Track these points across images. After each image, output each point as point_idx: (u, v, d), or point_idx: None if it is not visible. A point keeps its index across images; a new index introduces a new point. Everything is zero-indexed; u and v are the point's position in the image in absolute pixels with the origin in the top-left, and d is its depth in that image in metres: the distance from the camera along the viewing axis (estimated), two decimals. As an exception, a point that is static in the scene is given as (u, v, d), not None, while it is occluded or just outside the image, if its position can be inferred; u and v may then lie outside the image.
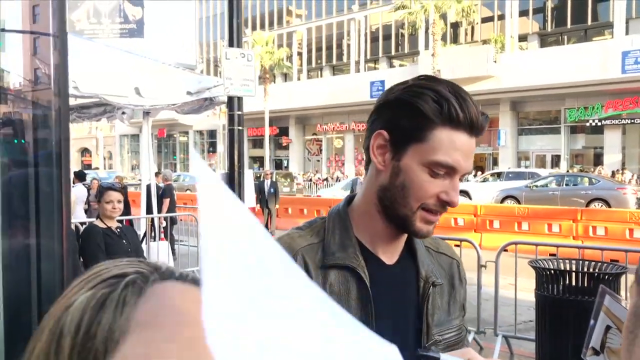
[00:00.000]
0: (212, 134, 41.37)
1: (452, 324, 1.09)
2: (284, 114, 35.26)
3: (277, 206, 13.71)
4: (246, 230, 0.31)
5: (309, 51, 38.10)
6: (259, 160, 36.86)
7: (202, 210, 0.29)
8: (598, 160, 25.42)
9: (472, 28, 31.45)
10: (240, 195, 6.74)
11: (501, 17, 29.48)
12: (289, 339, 0.27)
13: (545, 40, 29.05)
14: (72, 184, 8.87)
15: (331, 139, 35.21)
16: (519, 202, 16.42)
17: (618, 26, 25.66)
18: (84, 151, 51.59)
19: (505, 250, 5.49)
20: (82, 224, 6.03)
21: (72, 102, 6.63)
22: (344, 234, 1.02)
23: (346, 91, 32.25)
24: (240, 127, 6.90)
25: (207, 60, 46.23)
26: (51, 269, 1.20)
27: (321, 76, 37.29)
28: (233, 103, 6.85)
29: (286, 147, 37.46)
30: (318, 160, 36.26)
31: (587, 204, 15.46)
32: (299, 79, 37.45)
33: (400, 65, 33.68)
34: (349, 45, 35.60)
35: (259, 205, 13.01)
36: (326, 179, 29.15)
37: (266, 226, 13.52)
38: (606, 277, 3.91)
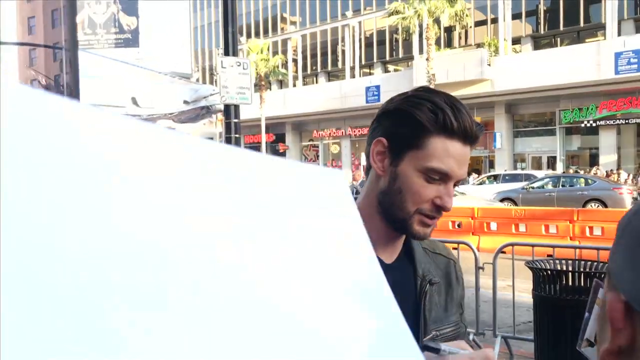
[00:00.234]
0: (208, 142, 41.36)
1: (450, 320, 1.14)
2: (280, 120, 35.36)
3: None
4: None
5: (304, 58, 38.25)
6: (256, 168, 36.89)
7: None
8: (594, 160, 25.55)
9: (466, 32, 31.64)
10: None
11: (494, 21, 29.68)
12: None
13: (538, 42, 29.25)
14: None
15: (328, 145, 35.31)
16: (515, 204, 16.49)
17: (610, 27, 25.86)
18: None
19: (504, 252, 5.52)
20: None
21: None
22: None
23: (342, 97, 32.38)
24: (237, 135, 6.95)
25: (202, 68, 46.33)
26: None
27: (316, 82, 37.44)
28: (230, 111, 6.90)
29: (283, 154, 37.52)
30: (315, 166, 36.34)
31: (584, 205, 15.54)
32: (294, 85, 37.58)
33: (395, 70, 33.83)
34: (343, 51, 35.75)
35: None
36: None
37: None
38: (602, 276, 3.93)
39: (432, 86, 25.51)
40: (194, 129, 40.75)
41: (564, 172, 22.27)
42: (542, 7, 28.80)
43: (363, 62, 35.19)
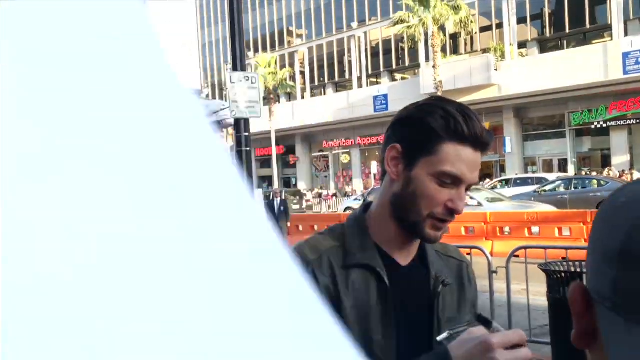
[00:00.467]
0: (219, 156, 41.61)
1: (463, 320, 1.17)
2: (290, 132, 35.53)
3: (288, 224, 13.80)
4: None
5: (312, 70, 38.49)
6: (268, 180, 37.04)
7: None
8: (606, 162, 25.33)
9: (471, 38, 31.69)
10: (252, 215, 6.83)
11: (499, 26, 29.70)
12: None
13: (544, 45, 29.20)
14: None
15: (338, 155, 35.38)
16: (528, 208, 16.40)
17: (616, 28, 25.77)
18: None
19: (517, 256, 5.53)
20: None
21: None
22: (363, 238, 1.13)
23: (350, 107, 32.50)
24: (247, 148, 7.04)
25: (212, 84, 46.78)
26: None
27: (324, 93, 37.63)
28: (240, 125, 7.00)
29: (294, 165, 37.66)
30: (326, 177, 36.39)
31: (597, 206, 15.39)
32: (302, 97, 37.80)
33: (402, 79, 33.92)
34: (350, 62, 35.95)
35: (269, 224, 13.09)
36: (335, 195, 29.24)
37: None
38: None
39: (439, 93, 25.59)
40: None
41: (575, 174, 22.12)
42: (547, 10, 28.80)
43: (370, 72, 35.34)
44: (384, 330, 1.08)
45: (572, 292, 0.45)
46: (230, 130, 10.44)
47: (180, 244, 0.26)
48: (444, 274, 1.17)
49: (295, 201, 25.38)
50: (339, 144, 34.49)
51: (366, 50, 35.23)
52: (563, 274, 4.13)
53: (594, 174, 21.84)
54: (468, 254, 5.34)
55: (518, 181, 20.42)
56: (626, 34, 25.24)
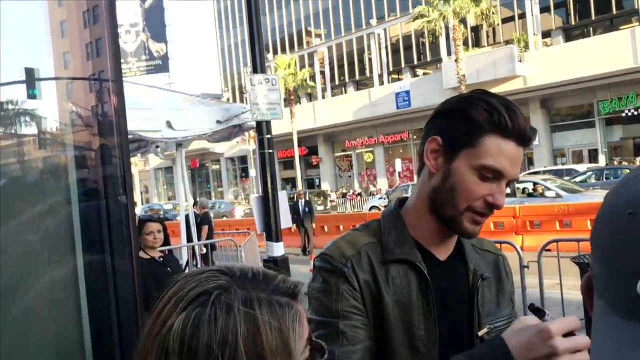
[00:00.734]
0: (243, 159, 41.97)
1: (502, 314, 1.17)
2: (312, 133, 35.53)
3: (313, 225, 13.77)
4: None
5: (332, 69, 38.43)
6: (291, 182, 37.13)
7: None
8: (639, 150, 24.63)
9: (493, 30, 31.19)
10: (276, 217, 6.83)
11: (522, 16, 29.15)
12: None
13: (569, 34, 28.55)
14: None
15: (361, 154, 35.23)
16: (558, 200, 16.01)
17: (644, 12, 25.03)
18: (122, 187, 52.85)
19: (549, 250, 5.38)
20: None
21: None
22: (400, 233, 1.12)
23: (372, 105, 32.32)
24: (270, 150, 7.02)
25: (232, 88, 47.14)
26: (125, 282, 1.40)
27: (345, 92, 37.51)
28: (262, 127, 6.99)
29: (316, 166, 37.65)
30: (349, 176, 36.28)
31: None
32: (323, 97, 37.76)
33: (424, 74, 33.58)
34: (370, 59, 35.76)
35: (294, 225, 13.10)
36: (359, 194, 29.10)
37: (304, 246, 13.58)
38: None
39: (462, 87, 25.22)
40: (229, 146, 41.37)
41: (607, 164, 21.54)
42: (570, -2, 28.16)
43: (391, 69, 35.10)
44: (426, 325, 1.07)
45: (584, 282, 0.46)
46: (252, 133, 10.46)
47: None
48: (482, 268, 1.16)
49: (319, 202, 25.36)
50: (362, 142, 34.33)
51: (386, 47, 34.99)
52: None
53: (626, 163, 21.22)
54: (498, 249, 5.21)
55: (547, 173, 19.96)
56: (655, 18, 24.50)
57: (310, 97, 39.11)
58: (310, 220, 13.64)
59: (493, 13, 27.54)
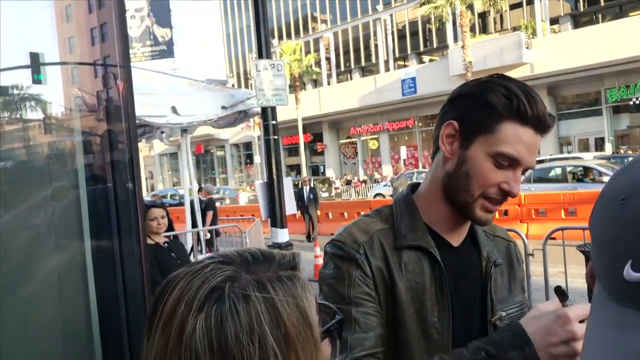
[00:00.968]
0: (247, 146, 41.95)
1: (515, 300, 1.17)
2: (317, 119, 35.43)
3: (318, 212, 13.79)
4: None
5: (337, 55, 38.20)
6: (296, 168, 37.12)
7: None
8: (646, 139, 24.48)
9: (501, 16, 30.86)
10: (281, 203, 6.84)
11: (530, 2, 28.82)
12: None
13: (578, 20, 28.21)
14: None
15: (366, 141, 35.14)
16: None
17: (655, -2, 24.68)
18: (127, 173, 53.00)
19: (553, 239, 5.37)
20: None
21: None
22: (412, 219, 1.11)
23: (377, 91, 32.16)
24: (275, 137, 7.02)
25: (237, 74, 46.98)
26: (132, 266, 1.41)
27: (351, 79, 37.32)
28: (267, 113, 6.97)
29: (321, 153, 37.61)
30: (354, 163, 36.24)
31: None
32: (329, 83, 37.59)
33: (431, 61, 33.34)
34: (376, 46, 35.51)
35: (299, 212, 13.12)
36: (364, 181, 29.08)
37: (309, 233, 13.62)
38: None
39: (469, 74, 25.04)
40: (234, 133, 41.23)
41: (614, 153, 21.39)
42: (580, -16, 27.78)
43: (397, 55, 34.85)
44: (439, 311, 1.06)
45: (589, 269, 0.48)
46: (257, 119, 10.44)
47: None
48: (495, 255, 1.15)
49: (324, 189, 25.37)
50: (367, 129, 34.23)
51: (392, 32, 34.72)
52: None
53: (631, 152, 21.07)
54: (502, 237, 5.21)
55: (553, 162, 19.86)
56: (665, 5, 24.16)
57: (316, 83, 38.94)
58: (315, 207, 13.66)
59: (501, -1, 27.24)
